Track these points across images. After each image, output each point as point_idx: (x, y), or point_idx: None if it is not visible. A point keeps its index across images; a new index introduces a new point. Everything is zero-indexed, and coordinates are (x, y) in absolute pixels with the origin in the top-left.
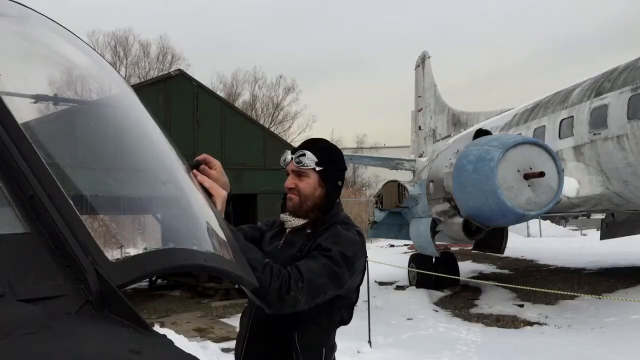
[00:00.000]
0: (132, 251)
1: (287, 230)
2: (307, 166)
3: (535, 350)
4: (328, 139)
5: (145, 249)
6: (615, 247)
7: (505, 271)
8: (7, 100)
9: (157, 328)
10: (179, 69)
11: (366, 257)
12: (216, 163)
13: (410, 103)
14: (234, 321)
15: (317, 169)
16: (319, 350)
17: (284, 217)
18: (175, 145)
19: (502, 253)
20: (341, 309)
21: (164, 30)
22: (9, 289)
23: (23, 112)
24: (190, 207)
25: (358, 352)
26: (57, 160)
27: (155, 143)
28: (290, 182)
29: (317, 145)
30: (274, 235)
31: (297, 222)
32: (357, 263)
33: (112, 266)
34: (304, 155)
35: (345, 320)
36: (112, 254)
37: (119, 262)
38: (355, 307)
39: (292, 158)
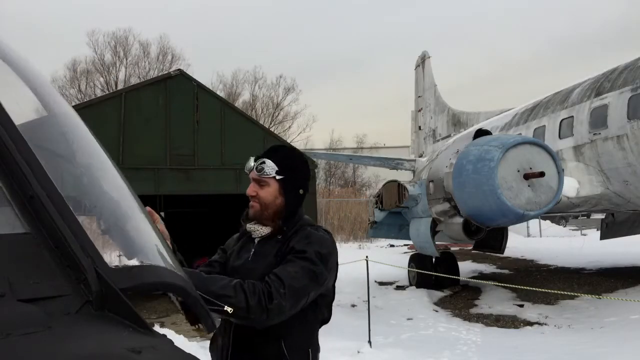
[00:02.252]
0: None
1: (256, 241)
2: (268, 175)
3: (535, 350)
4: (328, 139)
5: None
6: (615, 247)
7: (505, 271)
8: (6, 102)
9: (157, 328)
10: (179, 69)
11: (337, 254)
12: (157, 217)
13: (410, 103)
14: None
15: (278, 177)
16: (306, 352)
17: (251, 227)
18: (121, 174)
19: (502, 253)
20: (322, 308)
21: (164, 30)
22: (9, 289)
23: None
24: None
25: (358, 352)
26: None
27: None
28: (251, 189)
29: (278, 154)
30: (242, 248)
31: (264, 230)
32: (331, 260)
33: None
34: (264, 163)
35: (326, 319)
36: (111, 258)
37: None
38: (354, 307)
39: (254, 166)
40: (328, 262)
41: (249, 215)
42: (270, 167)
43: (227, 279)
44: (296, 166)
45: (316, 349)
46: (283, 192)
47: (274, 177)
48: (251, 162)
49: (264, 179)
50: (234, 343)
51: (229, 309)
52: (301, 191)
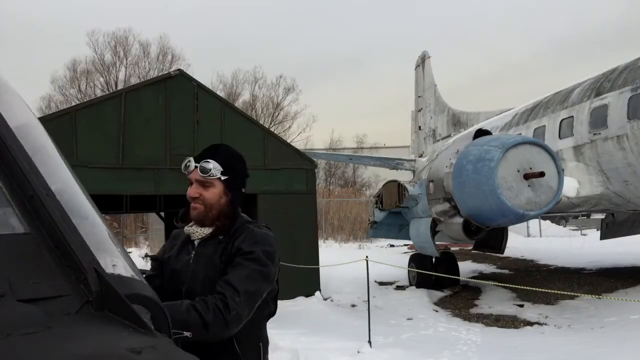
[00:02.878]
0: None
1: (196, 243)
2: (213, 176)
3: (535, 350)
4: (328, 139)
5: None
6: (615, 247)
7: (505, 271)
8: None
9: None
10: (179, 69)
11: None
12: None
13: (410, 103)
14: None
15: (222, 178)
16: (257, 346)
17: (189, 229)
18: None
19: (502, 253)
20: (269, 302)
21: (164, 30)
22: (9, 289)
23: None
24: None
25: (358, 352)
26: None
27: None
28: (194, 191)
29: (220, 153)
30: (180, 250)
31: (205, 231)
32: (276, 256)
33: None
34: (209, 164)
35: (273, 312)
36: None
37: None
38: (354, 307)
39: (195, 167)
40: (274, 259)
41: (192, 217)
42: (216, 168)
43: (176, 303)
44: (238, 165)
45: (266, 342)
46: (228, 192)
47: (219, 178)
48: (192, 163)
49: (209, 180)
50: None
51: (188, 334)
52: (243, 190)
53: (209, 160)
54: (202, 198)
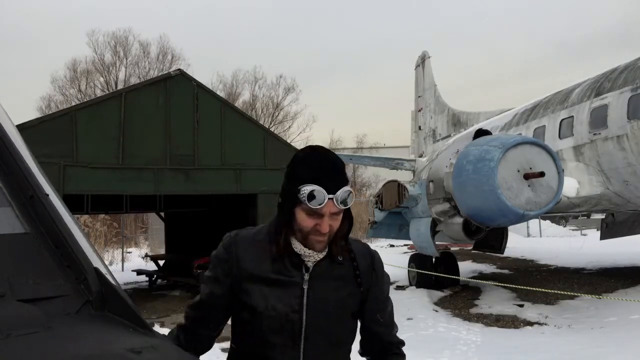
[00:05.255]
0: None
1: (311, 265)
2: (348, 205)
3: (535, 350)
4: (328, 139)
5: None
6: (615, 247)
7: (505, 271)
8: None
9: (157, 328)
10: (179, 69)
11: None
12: None
13: (410, 103)
14: None
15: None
16: None
17: (305, 250)
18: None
19: (502, 253)
20: None
21: (164, 30)
22: (9, 289)
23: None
24: None
25: (358, 351)
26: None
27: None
28: (326, 226)
29: (343, 172)
30: (279, 273)
31: (321, 254)
32: None
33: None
34: (350, 194)
35: None
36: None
37: None
38: None
39: (331, 198)
40: None
41: (315, 249)
42: (352, 196)
43: None
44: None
45: None
46: (348, 214)
47: None
48: (324, 195)
49: (342, 209)
50: None
51: None
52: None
53: (346, 187)
54: (331, 232)
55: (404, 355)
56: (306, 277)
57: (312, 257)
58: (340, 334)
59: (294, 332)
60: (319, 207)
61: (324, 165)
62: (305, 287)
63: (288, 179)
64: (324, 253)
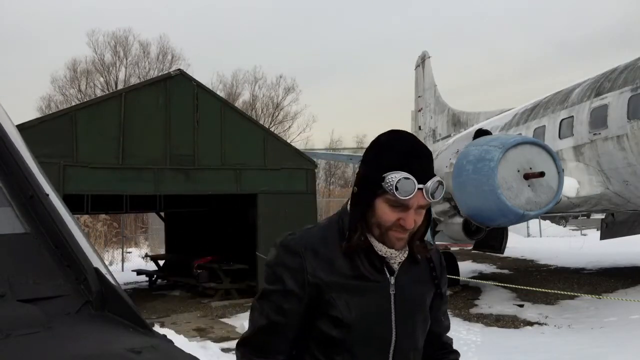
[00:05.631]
0: None
1: (396, 267)
2: (437, 198)
3: (535, 350)
4: (328, 139)
5: None
6: (615, 247)
7: (505, 271)
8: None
9: (157, 328)
10: (179, 69)
11: None
12: None
13: (410, 103)
14: (234, 321)
15: None
16: None
17: (388, 250)
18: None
19: (502, 253)
20: None
21: (164, 30)
22: (9, 289)
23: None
24: None
25: None
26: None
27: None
28: (411, 220)
29: (432, 159)
30: (363, 284)
31: (404, 253)
32: None
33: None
34: (439, 185)
35: None
36: None
37: None
38: None
39: (420, 189)
40: None
41: (395, 248)
42: (442, 188)
43: None
44: None
45: None
46: (427, 209)
47: None
48: (414, 185)
49: (429, 202)
50: None
51: None
52: None
53: (436, 178)
54: (414, 227)
55: (458, 354)
56: (392, 280)
57: (397, 257)
58: (422, 340)
59: (384, 342)
60: (406, 198)
61: (414, 151)
62: (393, 292)
63: (368, 165)
64: (406, 252)
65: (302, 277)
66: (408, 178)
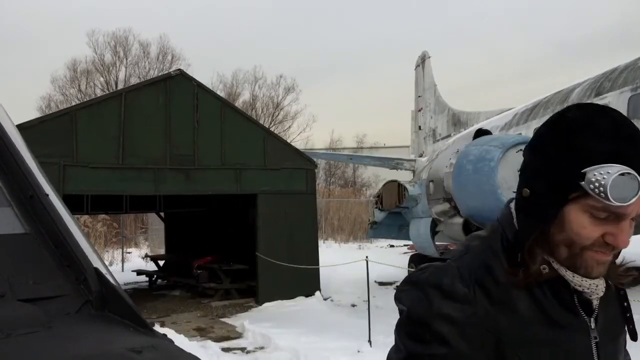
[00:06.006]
0: None
1: (595, 304)
2: None
3: None
4: (328, 139)
5: None
6: None
7: None
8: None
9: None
10: (179, 69)
11: None
12: None
13: (410, 103)
14: (234, 321)
15: None
16: None
17: (582, 282)
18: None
19: None
20: None
21: (164, 30)
22: (9, 289)
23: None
24: None
25: (358, 351)
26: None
27: None
28: (625, 237)
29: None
30: (548, 332)
31: (602, 281)
32: None
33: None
34: None
35: None
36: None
37: None
38: (354, 307)
39: None
40: None
41: (596, 274)
42: None
43: None
44: None
45: None
46: None
47: None
48: (637, 183)
49: None
50: None
51: None
52: None
53: None
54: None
55: None
56: (592, 324)
57: (598, 289)
58: None
59: None
60: (625, 205)
61: (632, 133)
62: (595, 340)
63: (550, 155)
64: (602, 282)
65: (480, 333)
66: (628, 174)
